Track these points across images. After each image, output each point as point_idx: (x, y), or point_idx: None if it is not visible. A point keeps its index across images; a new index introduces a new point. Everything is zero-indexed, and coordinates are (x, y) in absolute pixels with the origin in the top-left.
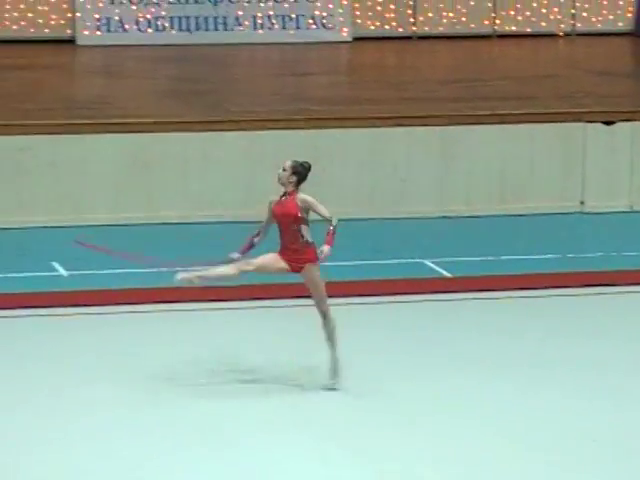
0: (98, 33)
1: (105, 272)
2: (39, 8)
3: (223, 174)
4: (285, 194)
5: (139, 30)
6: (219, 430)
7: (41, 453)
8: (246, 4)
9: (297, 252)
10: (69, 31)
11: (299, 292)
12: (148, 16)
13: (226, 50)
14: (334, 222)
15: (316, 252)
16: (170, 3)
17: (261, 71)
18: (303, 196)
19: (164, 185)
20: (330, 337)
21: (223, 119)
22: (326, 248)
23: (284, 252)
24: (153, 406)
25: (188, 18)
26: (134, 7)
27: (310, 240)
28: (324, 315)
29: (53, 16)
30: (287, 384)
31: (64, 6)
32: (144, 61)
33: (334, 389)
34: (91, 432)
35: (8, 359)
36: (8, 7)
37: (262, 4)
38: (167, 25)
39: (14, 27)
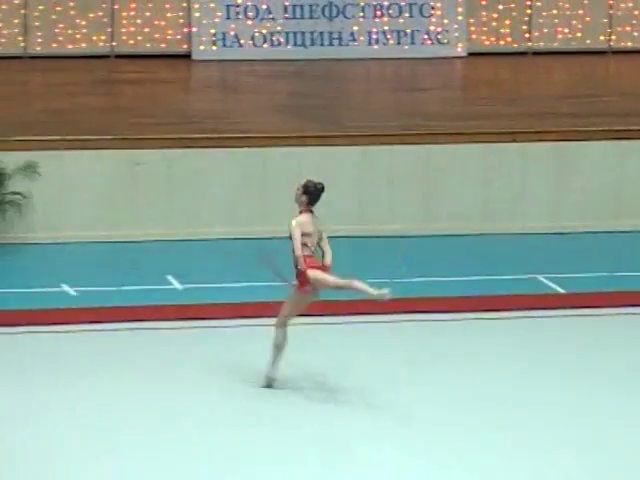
0: (214, 48)
1: (218, 286)
2: (156, 23)
3: (336, 189)
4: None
5: (254, 45)
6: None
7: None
8: (361, 19)
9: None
10: (185, 46)
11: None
12: (264, 31)
13: (341, 65)
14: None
15: (301, 276)
16: (286, 18)
17: (375, 86)
18: (293, 221)
19: (278, 199)
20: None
21: (337, 134)
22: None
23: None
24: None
25: (303, 33)
26: (250, 22)
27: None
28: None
29: (170, 31)
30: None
31: (180, 21)
32: (259, 76)
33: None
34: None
35: (136, 369)
36: (125, 22)
37: (377, 19)
38: (282, 40)
39: (131, 42)
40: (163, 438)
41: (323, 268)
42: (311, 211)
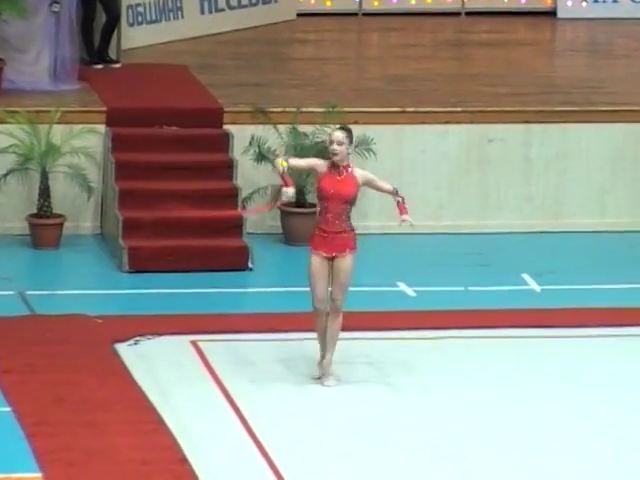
0: (583, 4)
1: (581, 287)
2: None
3: None
4: (339, 168)
5: (633, 1)
6: None
7: None
8: None
9: (339, 235)
10: (549, 2)
11: None
12: None
13: None
14: (401, 194)
15: (356, 240)
16: None
17: None
18: (362, 172)
19: None
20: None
21: None
22: (408, 217)
23: (325, 233)
24: None
25: None
26: None
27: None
28: (338, 308)
29: None
30: None
31: None
32: (637, 38)
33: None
34: None
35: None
36: None
37: None
38: None
39: None
40: None
41: None
42: None
